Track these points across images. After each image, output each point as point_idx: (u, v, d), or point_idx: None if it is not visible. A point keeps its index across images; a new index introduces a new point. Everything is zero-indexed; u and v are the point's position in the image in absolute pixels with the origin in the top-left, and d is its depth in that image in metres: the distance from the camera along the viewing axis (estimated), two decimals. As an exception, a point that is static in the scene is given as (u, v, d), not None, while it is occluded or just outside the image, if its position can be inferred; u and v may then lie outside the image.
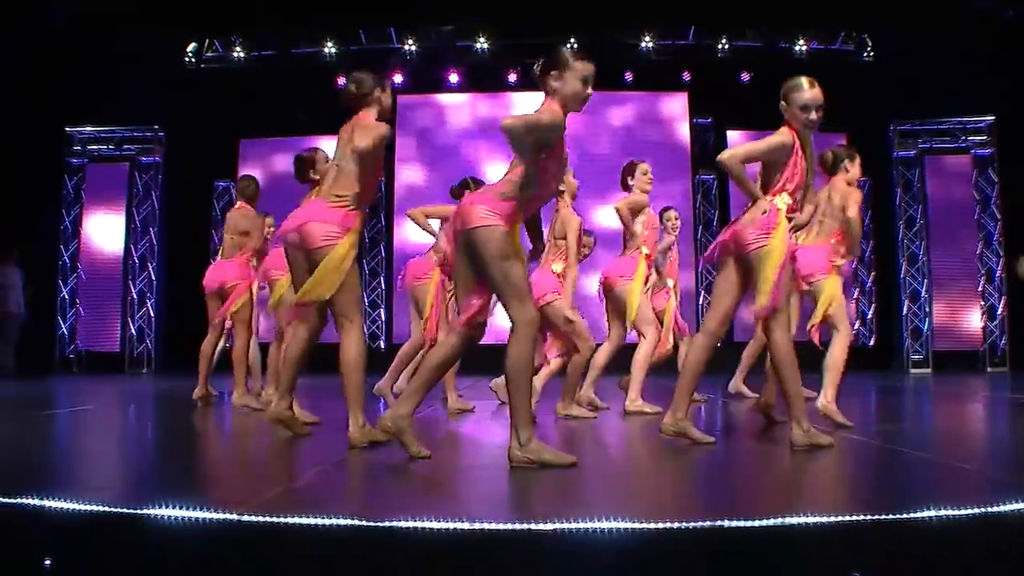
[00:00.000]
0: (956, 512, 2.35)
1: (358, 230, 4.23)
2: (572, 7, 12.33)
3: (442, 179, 14.23)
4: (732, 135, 14.28)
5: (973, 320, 13.49)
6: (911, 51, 12.62)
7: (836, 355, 5.09)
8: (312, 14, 12.82)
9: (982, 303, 13.48)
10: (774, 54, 13.83)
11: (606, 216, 14.18)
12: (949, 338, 13.58)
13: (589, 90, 3.58)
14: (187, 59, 14.21)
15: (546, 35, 12.91)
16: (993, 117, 13.41)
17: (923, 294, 13.60)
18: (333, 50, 13.97)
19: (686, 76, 14.09)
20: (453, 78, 14.18)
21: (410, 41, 14.02)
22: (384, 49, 14.14)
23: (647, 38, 13.82)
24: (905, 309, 13.55)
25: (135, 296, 14.03)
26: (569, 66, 3.54)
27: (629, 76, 13.89)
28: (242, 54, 14.13)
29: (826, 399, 5.02)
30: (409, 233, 14.30)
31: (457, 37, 13.88)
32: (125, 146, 14.21)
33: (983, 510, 2.41)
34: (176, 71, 14.00)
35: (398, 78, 14.26)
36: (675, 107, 14.47)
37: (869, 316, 14.17)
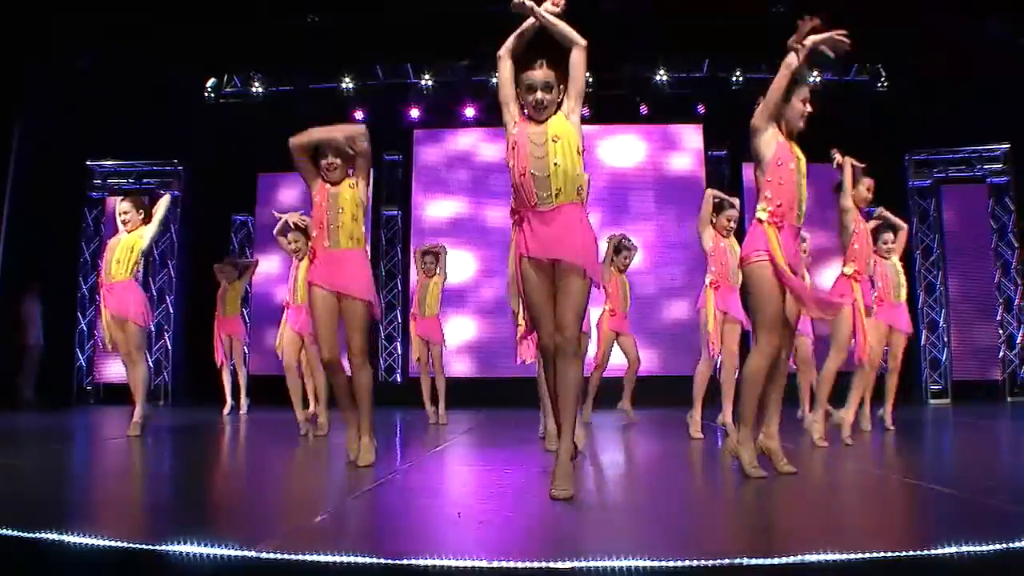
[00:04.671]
0: (978, 548, 2.33)
1: None
2: (587, 41, 12.41)
3: (457, 213, 14.33)
4: (747, 167, 14.31)
5: (992, 350, 13.39)
6: (925, 80, 12.63)
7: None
8: (329, 49, 12.96)
9: (1001, 332, 13.38)
10: (788, 85, 13.87)
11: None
12: (968, 368, 13.47)
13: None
14: (206, 94, 14.39)
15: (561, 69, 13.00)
16: (1008, 145, 13.37)
17: (941, 324, 13.52)
18: (350, 85, 14.10)
19: (701, 108, 14.14)
20: (469, 112, 14.28)
21: (426, 76, 14.15)
22: (400, 84, 14.28)
23: (662, 71, 13.90)
24: (923, 339, 13.46)
25: (152, 329, 14.11)
26: None
27: (644, 109, 13.96)
28: (260, 89, 14.30)
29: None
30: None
31: (473, 72, 14.00)
32: (145, 180, 14.35)
33: (1005, 545, 2.39)
34: (195, 106, 14.18)
35: (414, 112, 14.39)
36: (690, 139, 14.50)
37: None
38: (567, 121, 3.79)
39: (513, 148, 3.79)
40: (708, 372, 6.92)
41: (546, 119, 3.78)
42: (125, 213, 6.96)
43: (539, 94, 3.76)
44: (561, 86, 3.82)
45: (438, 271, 9.12)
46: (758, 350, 4.15)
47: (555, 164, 3.68)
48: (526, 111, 3.82)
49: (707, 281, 6.78)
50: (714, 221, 6.90)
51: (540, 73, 3.79)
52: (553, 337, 3.75)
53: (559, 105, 3.84)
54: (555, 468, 3.64)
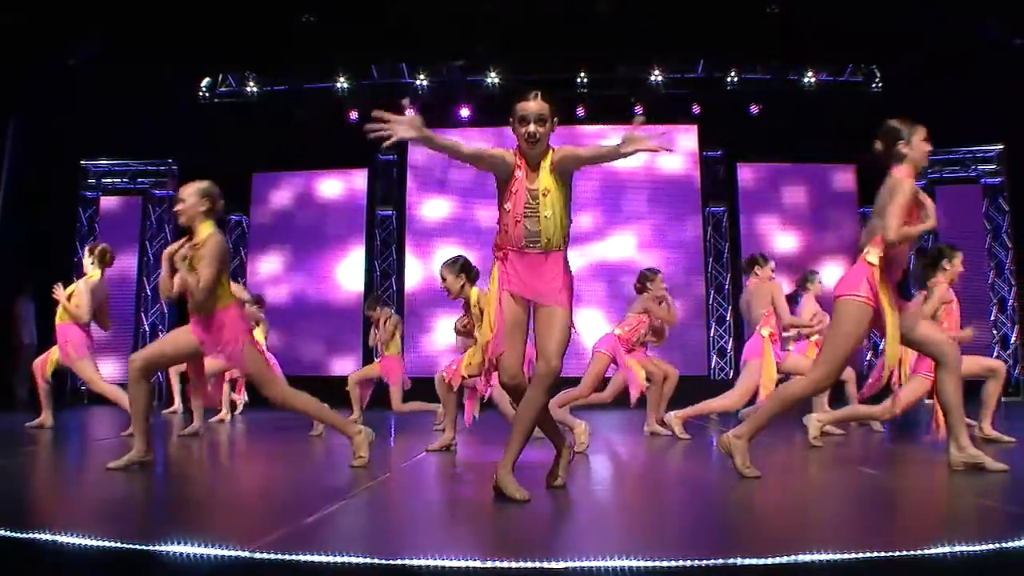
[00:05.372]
0: (972, 548, 2.34)
1: None
2: (582, 41, 12.42)
3: (451, 214, 14.32)
4: (742, 167, 14.33)
5: (986, 349, 13.41)
6: (920, 81, 12.65)
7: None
8: (324, 49, 12.95)
9: (994, 332, 13.41)
10: (783, 86, 13.90)
11: (611, 247, 14.21)
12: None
13: None
14: (201, 93, 14.36)
15: (557, 69, 13.02)
16: (1002, 146, 13.42)
17: (935, 324, 13.54)
18: (345, 85, 14.09)
19: (696, 109, 14.13)
20: (464, 112, 14.26)
21: (421, 76, 14.13)
22: (395, 84, 14.27)
23: (656, 72, 13.90)
24: (918, 339, 13.47)
25: (147, 328, 14.10)
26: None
27: (639, 109, 13.95)
28: (255, 88, 14.28)
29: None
30: (434, 268, 14.33)
31: (468, 72, 13.99)
32: (139, 179, 14.38)
33: (999, 545, 2.39)
34: (190, 105, 14.15)
35: (409, 112, 14.36)
36: (685, 140, 14.50)
37: (881, 347, 14.10)
38: (551, 175, 3.72)
39: (515, 194, 3.73)
40: (727, 409, 6.90)
41: (539, 152, 3.73)
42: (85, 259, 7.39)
43: (532, 126, 3.67)
44: (555, 119, 3.75)
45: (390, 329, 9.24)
46: (812, 380, 4.15)
47: (546, 216, 3.68)
48: (518, 143, 3.75)
49: (765, 333, 6.64)
50: (758, 273, 6.92)
51: (534, 105, 3.68)
52: (517, 377, 3.73)
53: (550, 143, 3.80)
54: (497, 480, 3.58)
